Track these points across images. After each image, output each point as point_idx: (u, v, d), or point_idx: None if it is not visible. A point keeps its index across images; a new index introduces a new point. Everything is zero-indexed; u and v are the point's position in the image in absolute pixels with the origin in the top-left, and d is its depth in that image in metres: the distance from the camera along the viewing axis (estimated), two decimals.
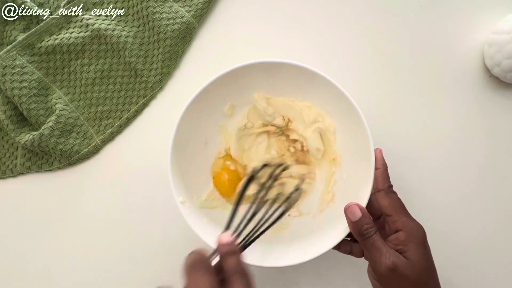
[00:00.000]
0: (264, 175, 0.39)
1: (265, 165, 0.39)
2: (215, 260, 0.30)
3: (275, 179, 0.39)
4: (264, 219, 0.37)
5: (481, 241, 0.47)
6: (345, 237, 0.38)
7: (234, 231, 0.34)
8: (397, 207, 0.36)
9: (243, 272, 0.28)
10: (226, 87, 0.42)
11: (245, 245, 0.35)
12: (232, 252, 0.29)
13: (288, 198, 0.39)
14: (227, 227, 0.34)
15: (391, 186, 0.38)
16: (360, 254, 0.40)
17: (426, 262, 0.34)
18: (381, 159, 0.38)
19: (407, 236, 0.35)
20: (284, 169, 0.41)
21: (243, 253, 0.33)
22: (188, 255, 0.28)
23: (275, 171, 0.39)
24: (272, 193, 0.40)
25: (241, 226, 0.35)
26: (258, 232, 0.36)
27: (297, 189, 0.41)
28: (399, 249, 0.34)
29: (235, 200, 0.35)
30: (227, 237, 0.30)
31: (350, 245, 0.40)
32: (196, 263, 0.27)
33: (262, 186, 0.38)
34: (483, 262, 0.47)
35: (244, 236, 0.35)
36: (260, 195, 0.37)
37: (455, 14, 0.48)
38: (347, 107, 0.39)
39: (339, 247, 0.40)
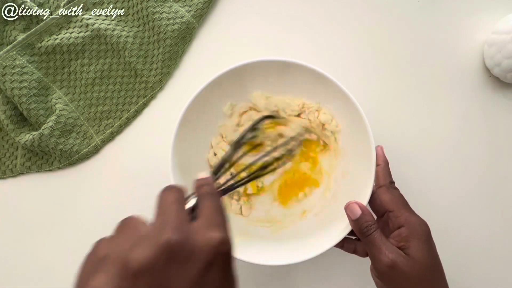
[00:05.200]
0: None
1: (268, 116, 0.40)
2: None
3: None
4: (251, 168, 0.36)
5: (482, 240, 0.47)
6: (349, 235, 0.38)
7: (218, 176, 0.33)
8: (399, 203, 0.36)
9: (215, 196, 0.27)
10: (226, 87, 0.42)
11: (227, 188, 0.34)
12: (205, 182, 0.28)
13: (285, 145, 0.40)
14: (215, 171, 0.33)
15: (392, 182, 0.38)
16: (364, 253, 0.39)
17: (429, 259, 0.33)
18: (382, 155, 0.38)
19: (410, 232, 0.34)
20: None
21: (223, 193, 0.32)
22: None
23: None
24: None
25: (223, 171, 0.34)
26: (244, 177, 0.35)
27: (296, 138, 0.42)
28: (401, 246, 0.34)
29: (232, 145, 0.35)
30: (204, 174, 0.29)
31: (354, 243, 0.40)
32: (169, 187, 0.26)
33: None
34: (484, 262, 0.47)
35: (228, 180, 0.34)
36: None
37: (455, 14, 0.48)
38: (348, 106, 0.39)
39: (342, 245, 0.40)
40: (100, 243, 0.24)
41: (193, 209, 0.27)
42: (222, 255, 0.22)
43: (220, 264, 0.22)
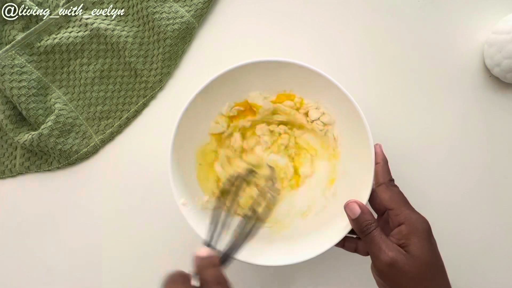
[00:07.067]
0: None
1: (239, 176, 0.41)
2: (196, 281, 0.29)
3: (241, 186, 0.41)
4: (243, 228, 0.37)
5: (481, 240, 0.47)
6: (350, 234, 0.38)
7: (214, 243, 0.34)
8: (399, 200, 0.36)
9: (224, 282, 0.27)
10: (225, 87, 0.41)
11: (227, 257, 0.34)
12: (210, 264, 0.28)
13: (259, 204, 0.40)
14: (208, 241, 0.34)
15: (392, 180, 0.37)
16: (365, 252, 0.39)
17: (429, 257, 0.33)
18: (381, 153, 0.38)
19: (410, 230, 0.34)
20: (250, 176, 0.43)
21: (225, 264, 0.32)
22: (167, 274, 0.27)
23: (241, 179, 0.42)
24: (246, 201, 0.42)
25: (217, 236, 0.35)
26: (238, 243, 0.35)
27: (271, 194, 0.42)
28: (401, 243, 0.34)
29: (212, 211, 0.36)
30: (204, 251, 0.29)
31: (355, 242, 0.40)
32: (175, 277, 0.26)
33: (232, 194, 0.40)
34: (484, 261, 0.47)
35: (226, 246, 0.34)
36: (230, 204, 0.39)
37: (455, 14, 0.48)
38: (347, 104, 0.39)
39: (343, 244, 0.40)
40: None
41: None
42: None
43: None
